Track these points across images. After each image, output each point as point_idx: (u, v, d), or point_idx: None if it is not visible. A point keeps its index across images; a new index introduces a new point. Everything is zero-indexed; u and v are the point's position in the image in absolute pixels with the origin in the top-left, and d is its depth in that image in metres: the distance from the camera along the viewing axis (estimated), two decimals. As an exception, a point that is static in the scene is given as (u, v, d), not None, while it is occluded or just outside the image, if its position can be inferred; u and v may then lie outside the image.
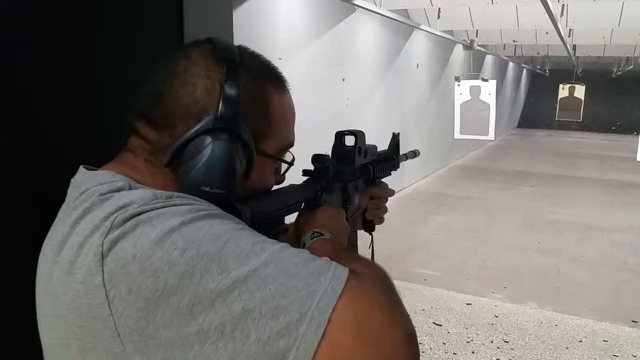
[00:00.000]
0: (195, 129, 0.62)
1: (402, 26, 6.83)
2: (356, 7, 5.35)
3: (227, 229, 0.55)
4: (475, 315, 3.88)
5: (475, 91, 7.85)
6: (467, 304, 4.06)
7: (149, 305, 0.51)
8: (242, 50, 0.70)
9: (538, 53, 11.92)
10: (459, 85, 7.89)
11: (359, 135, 0.95)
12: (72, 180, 0.66)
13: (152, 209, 0.55)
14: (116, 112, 0.75)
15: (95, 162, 0.69)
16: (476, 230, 6.16)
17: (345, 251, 0.75)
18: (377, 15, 5.56)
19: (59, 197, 0.65)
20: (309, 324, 0.50)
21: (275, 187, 0.78)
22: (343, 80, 5.70)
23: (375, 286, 0.56)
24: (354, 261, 0.62)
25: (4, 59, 0.87)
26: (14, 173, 0.88)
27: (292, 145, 0.76)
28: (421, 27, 6.85)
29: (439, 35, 7.52)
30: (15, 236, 0.85)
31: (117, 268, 0.52)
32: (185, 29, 1.26)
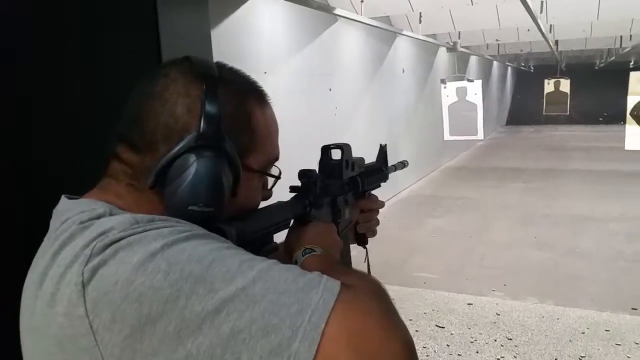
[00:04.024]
0: (177, 147, 0.61)
1: (385, 33, 6.88)
2: (338, 17, 5.39)
3: (212, 249, 0.54)
4: (477, 314, 3.89)
5: (461, 92, 7.92)
6: (469, 304, 4.06)
7: (135, 332, 0.49)
8: (221, 66, 0.70)
9: (521, 50, 12.03)
10: (445, 87, 7.96)
11: (345, 148, 0.94)
12: (54, 210, 0.65)
13: (133, 234, 0.54)
14: (96, 138, 0.74)
15: (78, 191, 0.68)
16: (472, 230, 6.18)
17: (338, 265, 0.74)
18: (359, 23, 5.61)
19: (44, 228, 0.64)
20: (302, 341, 0.48)
21: (263, 204, 0.77)
22: (330, 90, 5.73)
23: (369, 297, 0.55)
24: (347, 274, 0.61)
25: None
26: None
27: (277, 159, 0.75)
28: (404, 32, 6.91)
29: (422, 40, 7.59)
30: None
31: (99, 296, 0.51)
32: (162, 49, 1.26)
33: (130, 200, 0.64)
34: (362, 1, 5.15)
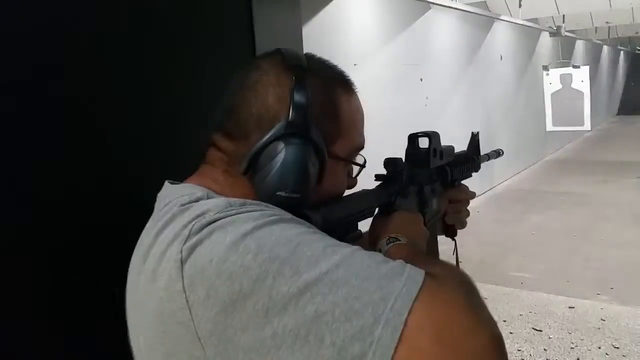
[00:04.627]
0: (268, 135, 0.65)
1: (482, 18, 6.58)
2: (431, 5, 5.23)
3: (299, 233, 0.56)
4: (579, 319, 3.62)
5: (566, 79, 7.40)
6: (570, 308, 3.79)
7: (226, 308, 0.52)
8: (310, 57, 0.73)
9: (637, 33, 10.99)
10: (547, 74, 7.47)
11: (433, 136, 0.92)
12: (158, 195, 0.70)
13: (226, 216, 0.57)
14: (196, 128, 0.79)
15: (180, 177, 0.72)
16: (576, 228, 5.76)
17: (423, 255, 0.75)
18: (453, 10, 5.40)
19: (149, 213, 0.69)
20: (385, 328, 0.48)
21: (348, 192, 0.78)
22: (421, 80, 5.59)
23: (454, 289, 0.54)
24: (432, 264, 0.59)
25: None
26: (106, 190, 0.94)
27: (362, 147, 0.76)
28: (502, 17, 6.56)
29: (522, 24, 7.17)
30: (111, 244, 0.88)
31: (195, 274, 0.54)
32: (256, 45, 1.30)
33: (226, 185, 0.68)
34: (456, -13, 4.95)
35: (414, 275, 0.52)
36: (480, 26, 6.95)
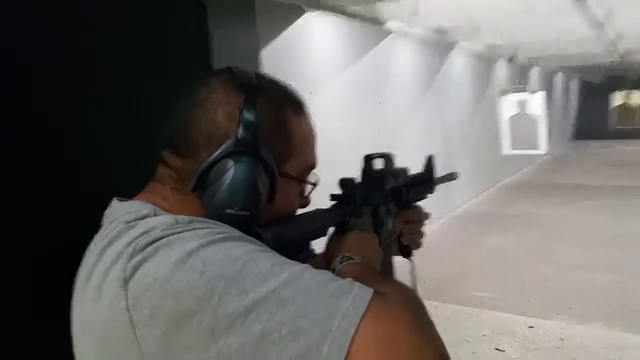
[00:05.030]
0: (217, 152, 0.65)
1: (440, 45, 6.76)
2: (390, 31, 5.35)
3: (247, 251, 0.55)
4: (540, 338, 3.67)
5: (522, 104, 7.65)
6: (530, 327, 3.84)
7: (170, 328, 0.51)
8: (260, 76, 0.73)
9: (587, 62, 11.49)
10: (504, 99, 7.71)
11: (388, 157, 0.94)
12: (104, 212, 0.69)
13: (172, 233, 0.57)
14: (147, 145, 0.78)
15: (129, 194, 0.72)
16: (534, 249, 5.88)
17: (375, 274, 0.75)
18: (412, 36, 5.53)
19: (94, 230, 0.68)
20: (331, 346, 0.48)
21: (301, 211, 0.77)
22: (380, 103, 5.67)
23: (402, 307, 0.54)
24: (382, 283, 0.59)
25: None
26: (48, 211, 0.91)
27: (314, 166, 0.77)
28: (459, 44, 6.76)
29: (480, 51, 7.40)
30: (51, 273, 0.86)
31: (139, 292, 0.53)
32: (214, 65, 1.29)
33: (175, 203, 0.68)
34: (414, 14, 5.07)
35: (362, 293, 0.52)
36: (439, 52, 7.14)
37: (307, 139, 0.75)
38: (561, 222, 7.13)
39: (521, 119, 7.56)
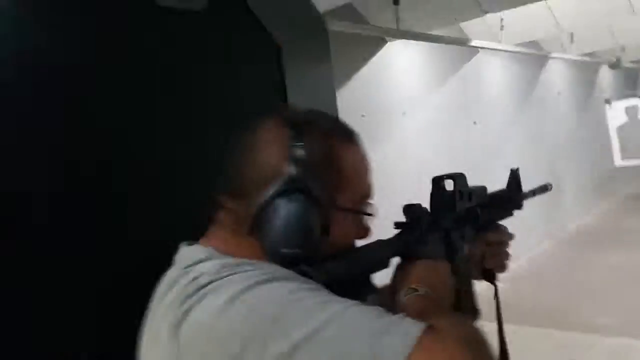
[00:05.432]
0: (268, 193, 0.65)
1: (534, 57, 6.47)
2: (479, 49, 5.22)
3: (291, 291, 0.56)
4: (670, 367, 3.29)
5: (631, 111, 7.07)
6: (655, 355, 3.46)
7: None
8: (308, 111, 0.74)
9: None
10: (610, 107, 7.17)
11: (458, 178, 0.89)
12: (174, 258, 0.72)
13: (219, 278, 0.58)
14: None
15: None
16: (658, 267, 5.32)
17: (438, 307, 0.71)
18: (503, 51, 5.36)
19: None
20: None
21: (362, 242, 0.76)
22: (474, 123, 5.51)
23: (455, 344, 0.52)
24: (442, 317, 0.58)
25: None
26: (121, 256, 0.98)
27: (369, 196, 0.76)
28: (553, 55, 6.42)
29: (578, 59, 6.97)
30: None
31: (188, 338, 0.55)
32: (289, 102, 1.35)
33: (233, 245, 0.69)
34: (502, 29, 4.93)
35: (409, 330, 0.51)
36: (533, 65, 6.83)
37: (359, 170, 0.74)
38: (689, 236, 6.40)
39: (631, 127, 6.96)
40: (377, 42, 4.21)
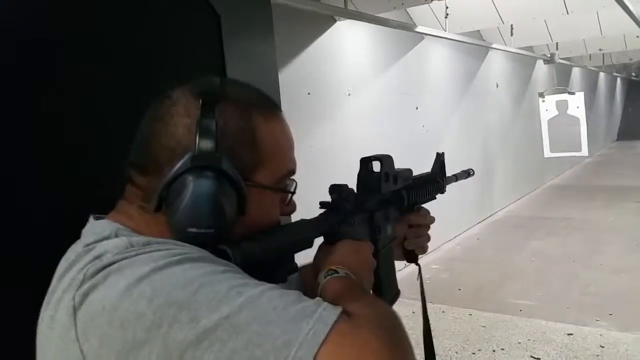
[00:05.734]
0: (174, 169, 0.60)
1: (476, 48, 6.66)
2: (424, 35, 5.31)
3: (203, 273, 0.52)
4: (578, 346, 3.56)
5: (562, 106, 7.44)
6: (569, 335, 3.73)
7: (121, 358, 0.49)
8: (224, 82, 0.68)
9: (631, 59, 11.08)
10: (543, 101, 7.52)
11: (384, 160, 0.88)
12: (82, 230, 0.66)
13: (124, 258, 0.54)
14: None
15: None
16: (576, 253, 5.71)
17: (356, 289, 0.68)
18: (447, 40, 5.48)
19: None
20: None
21: (289, 220, 0.74)
22: (417, 108, 5.63)
23: (371, 329, 0.51)
24: (356, 301, 0.57)
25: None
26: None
27: (292, 172, 0.72)
28: (494, 46, 6.64)
29: (516, 53, 7.25)
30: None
31: (87, 321, 0.51)
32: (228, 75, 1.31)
33: (141, 222, 0.64)
34: (446, 17, 5.03)
35: (325, 316, 0.49)
36: (475, 55, 7.05)
37: (281, 145, 0.69)
38: (605, 226, 6.90)
39: (561, 120, 7.33)
40: (327, 21, 4.21)
